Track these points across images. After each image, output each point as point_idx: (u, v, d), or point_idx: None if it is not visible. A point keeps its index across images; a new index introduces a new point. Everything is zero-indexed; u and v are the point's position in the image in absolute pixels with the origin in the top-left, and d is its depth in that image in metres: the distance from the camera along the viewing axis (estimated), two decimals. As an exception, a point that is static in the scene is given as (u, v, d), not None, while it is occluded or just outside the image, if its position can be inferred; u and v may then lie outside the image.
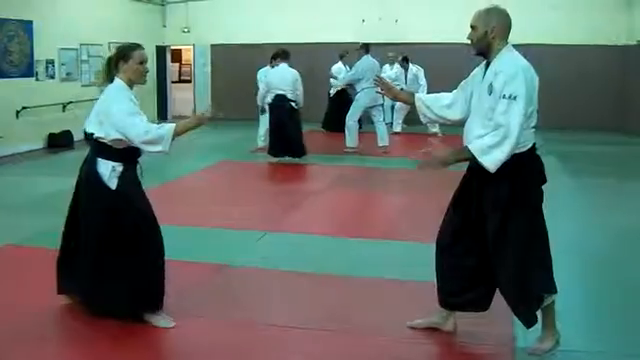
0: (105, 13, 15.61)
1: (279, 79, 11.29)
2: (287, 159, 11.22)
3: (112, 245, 4.33)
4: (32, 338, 4.28)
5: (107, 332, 4.33)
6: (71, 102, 14.11)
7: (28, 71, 12.97)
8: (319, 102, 14.88)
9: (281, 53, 11.53)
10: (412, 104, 4.38)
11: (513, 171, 3.80)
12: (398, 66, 15.00)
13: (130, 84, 4.40)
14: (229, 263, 5.77)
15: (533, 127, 3.88)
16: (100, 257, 4.35)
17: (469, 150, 3.78)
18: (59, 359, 4.10)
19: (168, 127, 4.35)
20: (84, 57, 14.89)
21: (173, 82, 19.38)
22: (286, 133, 11.16)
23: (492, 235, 3.89)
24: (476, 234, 3.99)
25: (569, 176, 10.23)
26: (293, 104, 11.24)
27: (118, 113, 4.25)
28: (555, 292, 4.05)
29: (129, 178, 4.44)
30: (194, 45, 18.31)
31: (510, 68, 3.74)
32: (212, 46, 18.22)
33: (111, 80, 4.40)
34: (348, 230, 7.07)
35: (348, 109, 12.39)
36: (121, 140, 4.30)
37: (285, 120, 11.13)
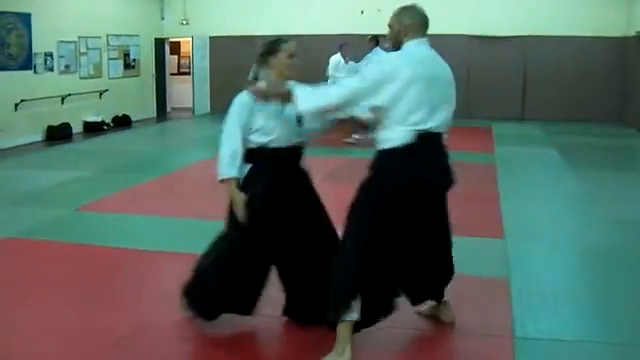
0: (103, 5, 15.58)
1: None
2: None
3: None
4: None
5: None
6: (70, 95, 14.09)
7: (26, 64, 12.94)
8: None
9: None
10: None
11: (372, 164, 3.84)
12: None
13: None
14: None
15: (406, 126, 3.67)
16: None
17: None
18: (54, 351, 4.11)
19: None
20: (83, 49, 14.86)
21: (172, 74, 19.32)
22: None
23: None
24: None
25: (568, 167, 10.23)
26: None
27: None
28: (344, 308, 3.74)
29: None
30: (193, 37, 18.26)
31: (380, 57, 3.90)
32: (211, 38, 18.18)
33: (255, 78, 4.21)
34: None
35: None
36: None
37: None
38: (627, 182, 9.44)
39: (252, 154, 4.10)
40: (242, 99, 4.10)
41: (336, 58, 13.19)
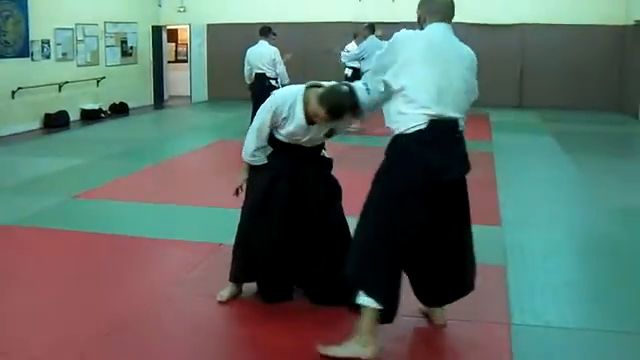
0: (101, -8, 15.53)
1: (256, 57, 11.03)
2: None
3: None
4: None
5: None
6: (67, 82, 14.05)
7: (23, 51, 12.88)
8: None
9: (260, 30, 11.29)
10: None
11: (388, 149, 3.72)
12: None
13: None
14: (225, 242, 5.77)
15: (417, 111, 3.56)
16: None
17: None
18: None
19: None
20: (80, 37, 14.80)
21: (169, 62, 19.27)
22: None
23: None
24: None
25: (566, 155, 10.23)
26: (273, 82, 10.85)
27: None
28: (366, 292, 3.66)
29: None
30: (190, 25, 18.20)
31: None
32: (208, 26, 18.11)
33: None
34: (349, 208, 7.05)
35: None
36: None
37: (263, 99, 10.68)
38: (625, 170, 9.44)
39: (273, 140, 4.34)
40: (284, 98, 4.26)
41: (351, 46, 13.10)
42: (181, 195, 7.66)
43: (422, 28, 3.88)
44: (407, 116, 3.59)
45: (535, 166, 9.67)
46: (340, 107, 3.96)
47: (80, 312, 4.41)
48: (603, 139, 12.43)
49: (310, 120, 4.15)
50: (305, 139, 4.26)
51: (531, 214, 6.96)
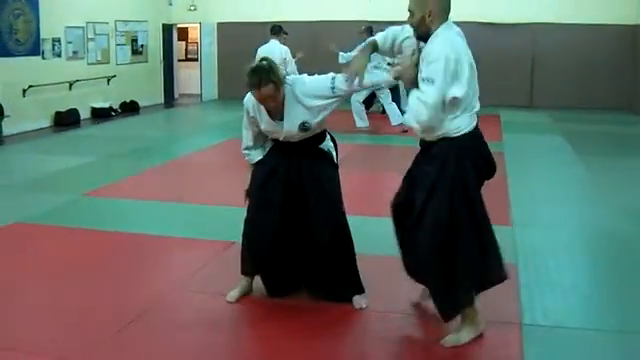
0: (111, -9, 15.58)
1: (267, 55, 10.97)
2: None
3: None
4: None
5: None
6: (78, 80, 14.10)
7: (34, 49, 12.93)
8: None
9: (271, 28, 11.27)
10: None
11: (445, 153, 3.78)
12: None
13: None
14: (237, 240, 5.76)
15: (470, 112, 3.79)
16: None
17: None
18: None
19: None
20: (90, 35, 14.85)
21: (179, 60, 19.30)
22: None
23: (416, 211, 3.89)
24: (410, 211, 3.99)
25: (577, 155, 10.19)
26: None
27: None
28: (474, 291, 3.94)
29: None
30: (201, 23, 18.22)
31: (432, 55, 3.70)
32: (219, 24, 18.13)
33: None
34: (357, 207, 7.02)
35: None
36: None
37: None
38: (637, 170, 9.39)
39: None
40: (247, 100, 4.35)
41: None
42: (192, 193, 7.67)
43: (425, 29, 3.80)
44: (467, 120, 3.79)
45: (546, 166, 9.63)
46: (250, 75, 4.11)
47: (90, 309, 4.41)
48: (614, 139, 12.36)
49: (273, 115, 4.23)
50: (283, 135, 4.30)
51: (542, 214, 6.93)
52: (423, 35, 3.83)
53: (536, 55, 16.48)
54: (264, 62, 4.20)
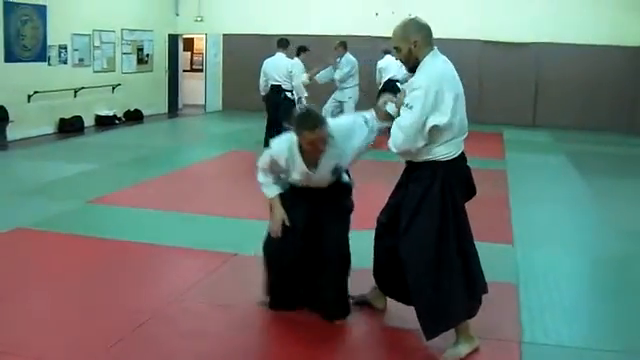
0: (119, 0, 15.63)
1: (273, 68, 10.97)
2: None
3: None
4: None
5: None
6: (83, 88, 14.15)
7: (41, 56, 12.99)
8: (329, 94, 14.58)
9: (278, 41, 11.27)
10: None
11: (430, 176, 3.88)
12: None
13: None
14: (238, 252, 5.78)
15: (459, 138, 3.92)
16: None
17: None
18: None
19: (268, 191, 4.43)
20: (97, 43, 14.91)
21: (184, 71, 19.36)
22: (279, 126, 10.27)
23: (401, 229, 3.97)
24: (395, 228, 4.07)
25: (579, 175, 10.20)
26: (289, 94, 10.84)
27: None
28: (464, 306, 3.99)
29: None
30: (207, 34, 18.29)
31: (415, 84, 3.82)
32: (225, 36, 18.20)
33: None
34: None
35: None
36: None
37: (278, 111, 10.34)
38: (638, 191, 9.40)
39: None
40: (278, 152, 4.30)
41: (385, 62, 12.66)
42: (194, 204, 7.68)
43: (413, 60, 3.89)
44: (453, 147, 3.89)
45: (548, 185, 9.64)
46: (304, 118, 4.09)
47: (93, 316, 4.42)
48: (616, 160, 12.37)
49: (309, 162, 4.21)
50: (314, 183, 4.32)
51: (543, 233, 6.94)
52: (413, 67, 3.92)
53: (540, 74, 16.51)
54: (309, 108, 4.30)
